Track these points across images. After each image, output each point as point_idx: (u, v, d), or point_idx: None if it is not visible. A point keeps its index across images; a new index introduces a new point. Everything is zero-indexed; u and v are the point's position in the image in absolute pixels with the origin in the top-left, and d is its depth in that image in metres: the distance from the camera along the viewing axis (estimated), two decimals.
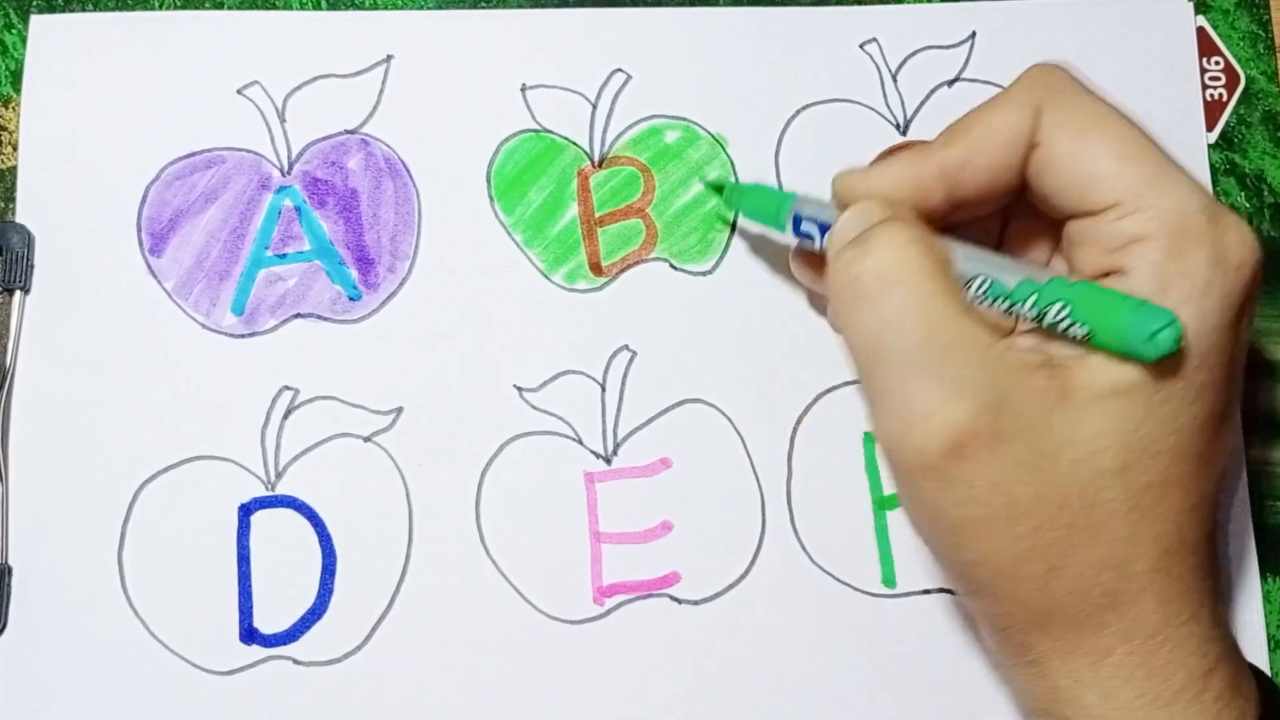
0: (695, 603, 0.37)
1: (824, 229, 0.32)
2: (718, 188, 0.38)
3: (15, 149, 0.38)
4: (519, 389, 0.38)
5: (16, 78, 0.39)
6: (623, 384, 0.38)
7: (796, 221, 0.34)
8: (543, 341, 0.38)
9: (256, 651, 0.36)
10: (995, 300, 0.29)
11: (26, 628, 0.36)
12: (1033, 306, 0.28)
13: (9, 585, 0.36)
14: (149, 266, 0.38)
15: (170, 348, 0.37)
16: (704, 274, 0.39)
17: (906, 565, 0.37)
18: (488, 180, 0.39)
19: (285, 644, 0.36)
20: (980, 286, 0.29)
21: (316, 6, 0.40)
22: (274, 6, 0.40)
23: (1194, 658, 0.27)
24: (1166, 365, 0.26)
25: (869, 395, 0.29)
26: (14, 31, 0.39)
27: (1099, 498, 0.27)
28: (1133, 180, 0.27)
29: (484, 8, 0.40)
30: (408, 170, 0.39)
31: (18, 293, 0.37)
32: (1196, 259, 0.27)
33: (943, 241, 0.29)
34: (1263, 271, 0.28)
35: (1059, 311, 0.27)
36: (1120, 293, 0.27)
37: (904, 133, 0.40)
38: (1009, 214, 0.33)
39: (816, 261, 0.35)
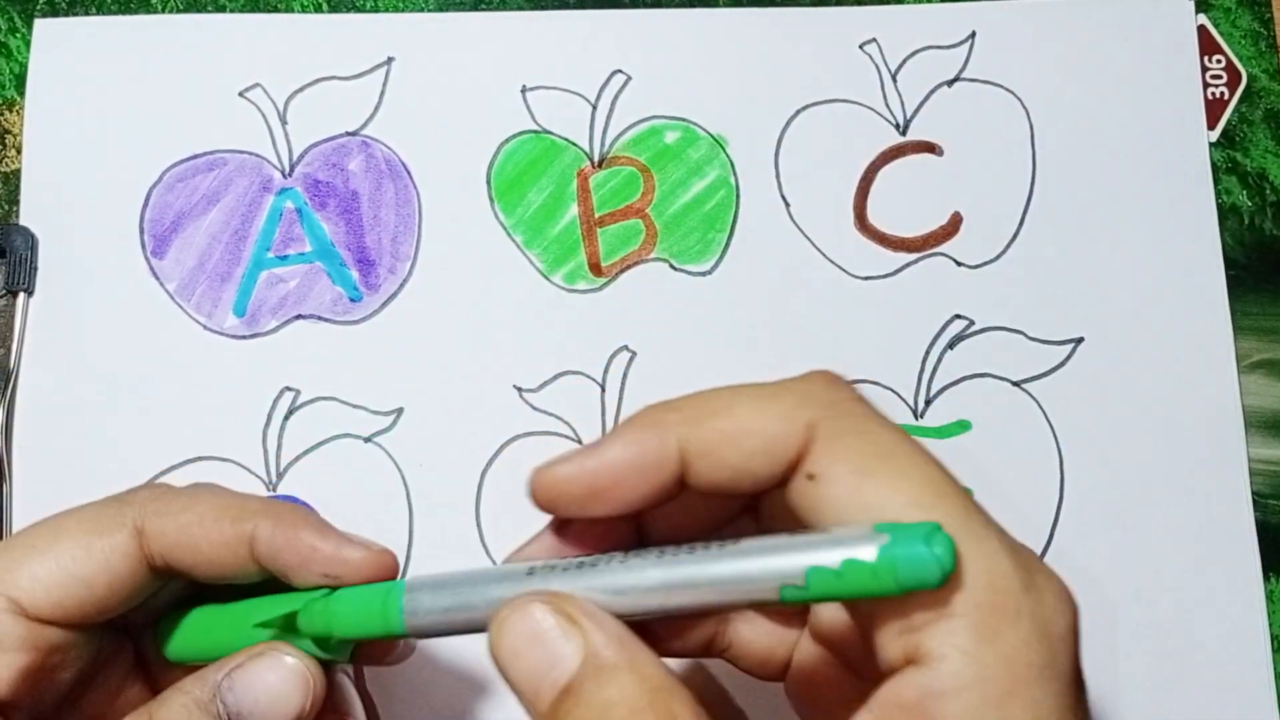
0: None
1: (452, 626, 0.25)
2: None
3: (19, 152, 0.39)
4: (519, 389, 0.38)
5: (21, 81, 0.39)
6: (623, 384, 0.38)
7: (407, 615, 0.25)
8: (543, 342, 0.38)
9: None
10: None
11: None
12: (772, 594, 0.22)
13: None
14: (151, 268, 0.38)
15: (172, 349, 0.38)
16: (704, 274, 0.39)
17: None
18: (488, 181, 0.39)
19: None
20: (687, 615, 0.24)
21: (318, 9, 0.40)
22: (275, 9, 0.40)
23: None
24: None
25: None
26: (18, 35, 0.39)
27: None
28: None
29: (484, 10, 0.41)
30: (408, 172, 0.39)
31: (21, 294, 0.38)
32: (1013, 640, 0.21)
33: (635, 574, 0.23)
34: (1078, 634, 0.23)
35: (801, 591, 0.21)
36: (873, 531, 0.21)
37: (904, 133, 0.40)
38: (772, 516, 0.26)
39: None
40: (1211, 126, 0.40)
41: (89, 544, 0.26)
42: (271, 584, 0.27)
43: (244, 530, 0.26)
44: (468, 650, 0.36)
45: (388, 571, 0.27)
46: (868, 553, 0.20)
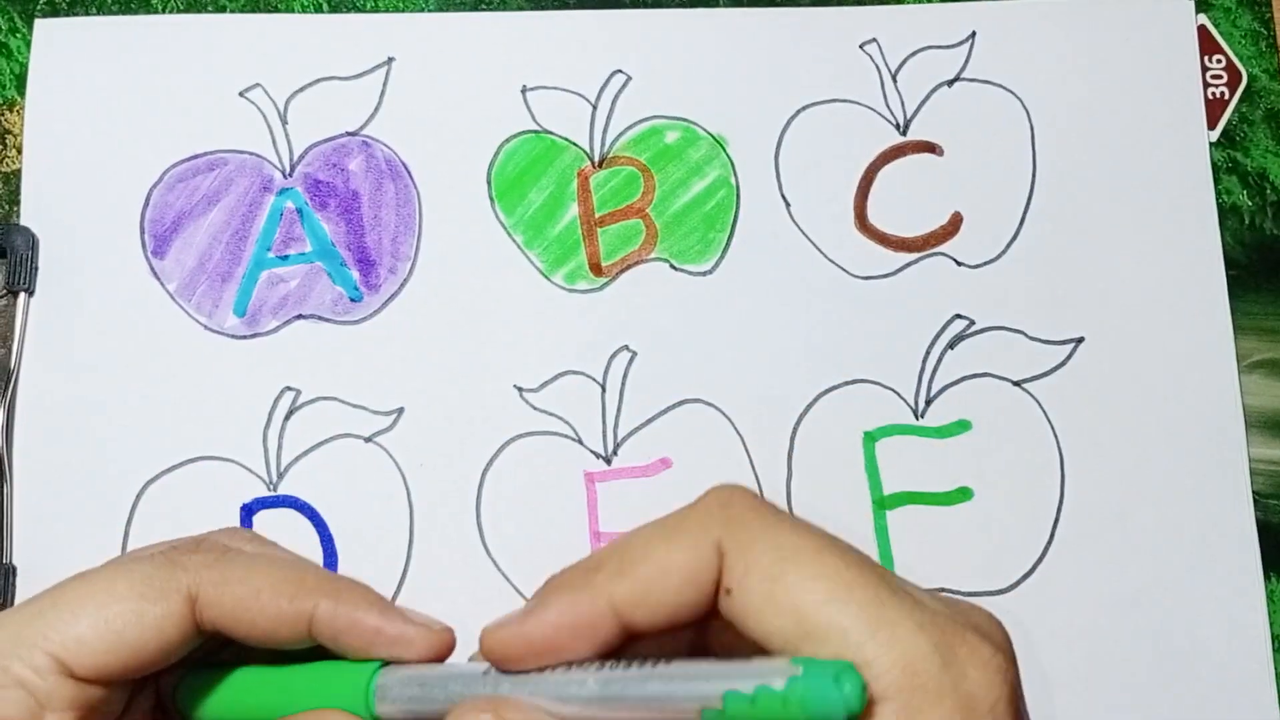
0: None
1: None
2: None
3: (20, 152, 0.39)
4: (519, 389, 0.38)
5: (21, 81, 0.39)
6: (623, 384, 0.38)
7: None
8: (543, 341, 0.38)
9: None
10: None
11: None
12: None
13: (13, 585, 0.36)
14: (152, 268, 0.38)
15: (173, 349, 0.38)
16: (704, 274, 0.39)
17: (906, 565, 0.37)
18: (488, 181, 0.39)
19: None
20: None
21: (318, 9, 0.40)
22: (276, 9, 0.40)
23: None
24: None
25: None
26: (19, 35, 0.39)
27: None
28: (847, 629, 0.23)
29: (484, 10, 0.41)
30: (409, 172, 0.39)
31: (22, 294, 0.38)
32: (937, 717, 0.22)
33: (574, 686, 0.24)
34: (1016, 697, 0.23)
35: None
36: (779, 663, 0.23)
37: (904, 133, 0.40)
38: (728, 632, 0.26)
39: None
40: (1212, 126, 0.40)
41: (141, 610, 0.26)
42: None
43: (303, 609, 0.26)
44: (468, 650, 0.36)
45: (446, 649, 0.28)
46: (778, 683, 0.21)
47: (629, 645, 0.26)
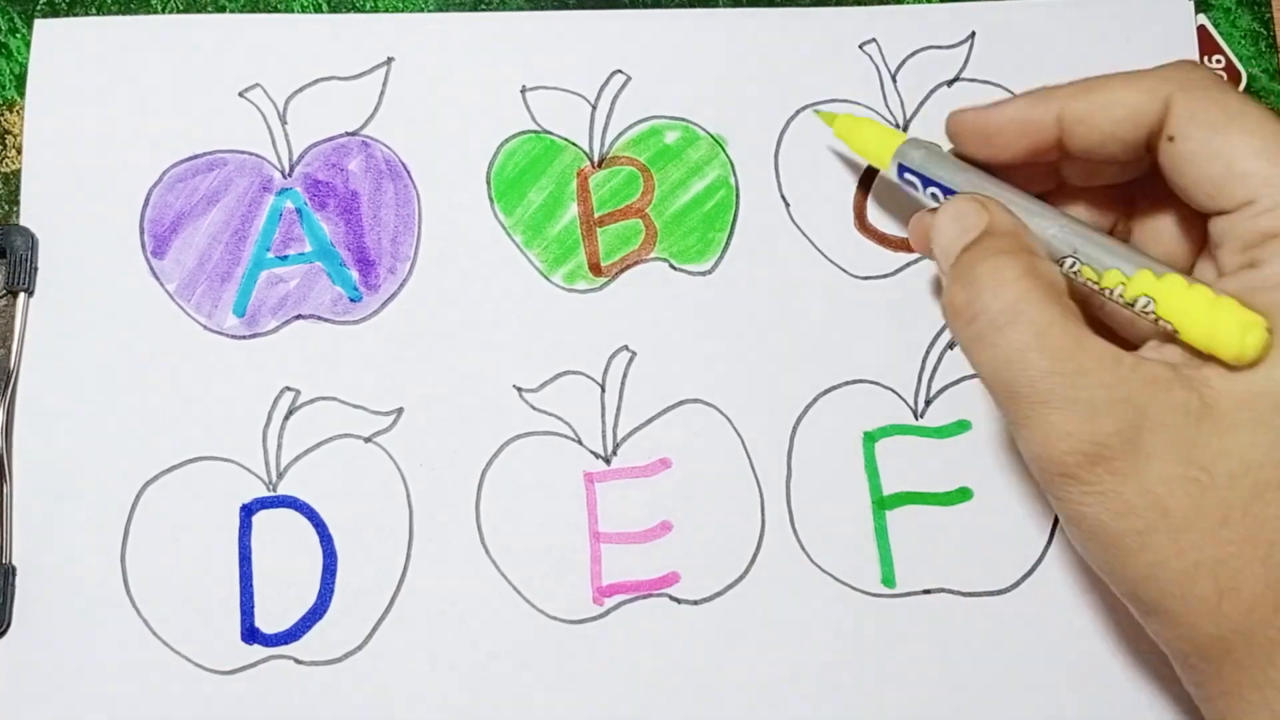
0: (695, 603, 0.37)
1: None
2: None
3: (19, 152, 0.39)
4: (519, 389, 0.38)
5: (21, 81, 0.39)
6: (622, 384, 0.38)
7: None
8: (543, 341, 0.38)
9: (258, 651, 0.36)
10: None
11: (30, 627, 0.36)
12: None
13: (13, 585, 0.36)
14: (151, 268, 0.38)
15: (172, 349, 0.38)
16: (704, 274, 0.39)
17: (906, 565, 0.37)
18: (488, 181, 0.39)
19: (286, 643, 0.36)
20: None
21: (317, 9, 0.40)
22: (275, 9, 0.40)
23: None
24: None
25: (1008, 419, 0.29)
26: (18, 36, 0.39)
27: (1266, 513, 0.26)
28: (1270, 176, 0.27)
29: (484, 10, 0.41)
30: (408, 172, 0.39)
31: (21, 295, 0.38)
32: None
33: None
34: None
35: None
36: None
37: (904, 132, 0.40)
38: (1145, 202, 0.33)
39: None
40: None
41: None
42: None
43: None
44: (468, 650, 0.36)
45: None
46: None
47: (1060, 181, 0.32)
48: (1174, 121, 0.28)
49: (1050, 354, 0.27)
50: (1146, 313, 0.28)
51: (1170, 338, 0.29)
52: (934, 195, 0.34)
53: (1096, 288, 0.29)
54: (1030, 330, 0.27)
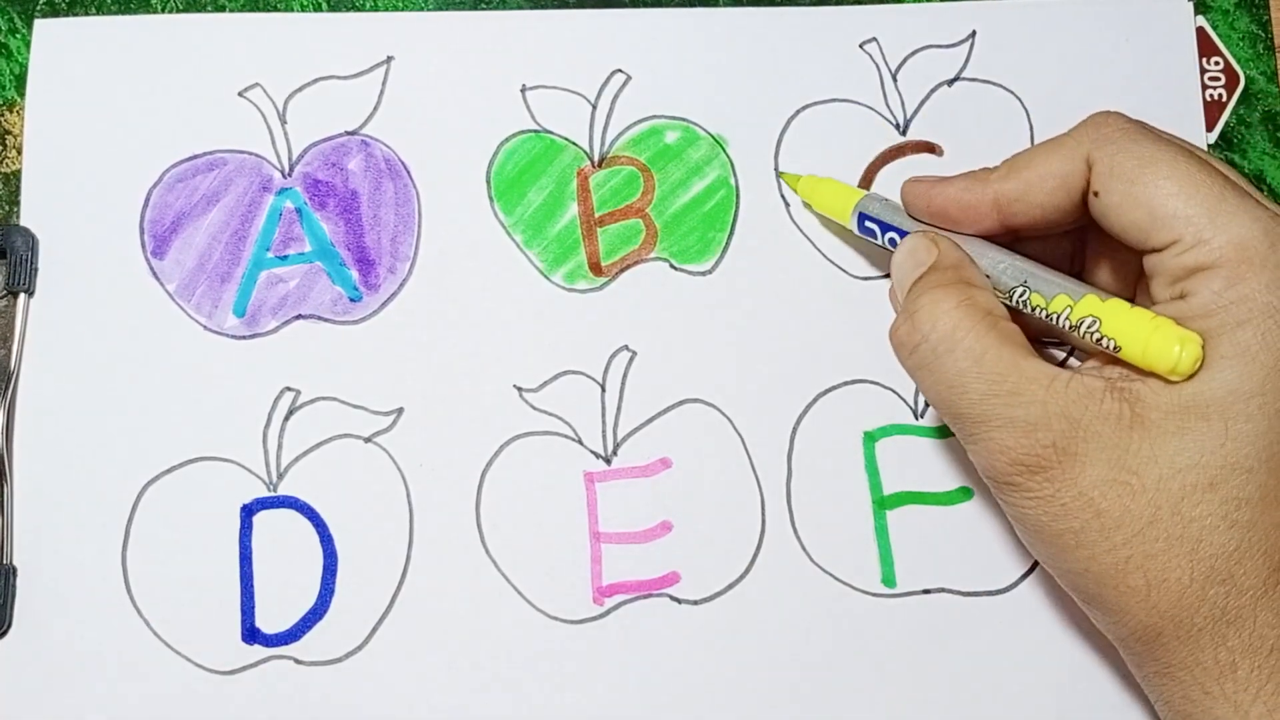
0: (695, 603, 0.37)
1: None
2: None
3: (19, 152, 0.39)
4: (519, 389, 0.38)
5: (21, 81, 0.39)
6: (623, 384, 0.38)
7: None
8: (543, 341, 0.38)
9: (258, 651, 0.36)
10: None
11: (31, 628, 0.36)
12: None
13: (14, 585, 0.36)
14: (151, 269, 0.38)
15: (172, 349, 0.38)
16: (704, 274, 0.39)
17: (906, 565, 0.37)
18: (488, 181, 0.39)
19: (287, 644, 0.36)
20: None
21: (317, 8, 0.40)
22: (275, 9, 0.40)
23: None
24: (1236, 383, 0.28)
25: (958, 435, 0.32)
26: (18, 36, 0.39)
27: (1193, 513, 0.28)
28: (1190, 216, 0.29)
29: (484, 9, 0.41)
30: (408, 171, 0.39)
31: (22, 295, 0.38)
32: (1256, 284, 0.28)
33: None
34: None
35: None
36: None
37: (903, 133, 0.40)
38: (1093, 244, 0.35)
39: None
40: (1210, 128, 0.40)
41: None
42: None
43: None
44: (468, 650, 0.36)
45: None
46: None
47: (1013, 235, 0.33)
48: (1096, 178, 0.30)
49: (986, 378, 0.30)
50: (1091, 332, 0.30)
51: (1112, 359, 0.30)
52: (891, 241, 0.36)
53: (1045, 313, 0.31)
54: (968, 357, 0.30)
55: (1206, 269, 0.29)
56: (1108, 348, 0.30)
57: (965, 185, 0.33)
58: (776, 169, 0.40)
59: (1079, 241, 0.35)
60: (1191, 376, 0.28)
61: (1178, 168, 0.29)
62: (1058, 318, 0.31)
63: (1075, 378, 0.29)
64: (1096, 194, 0.30)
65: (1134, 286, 0.34)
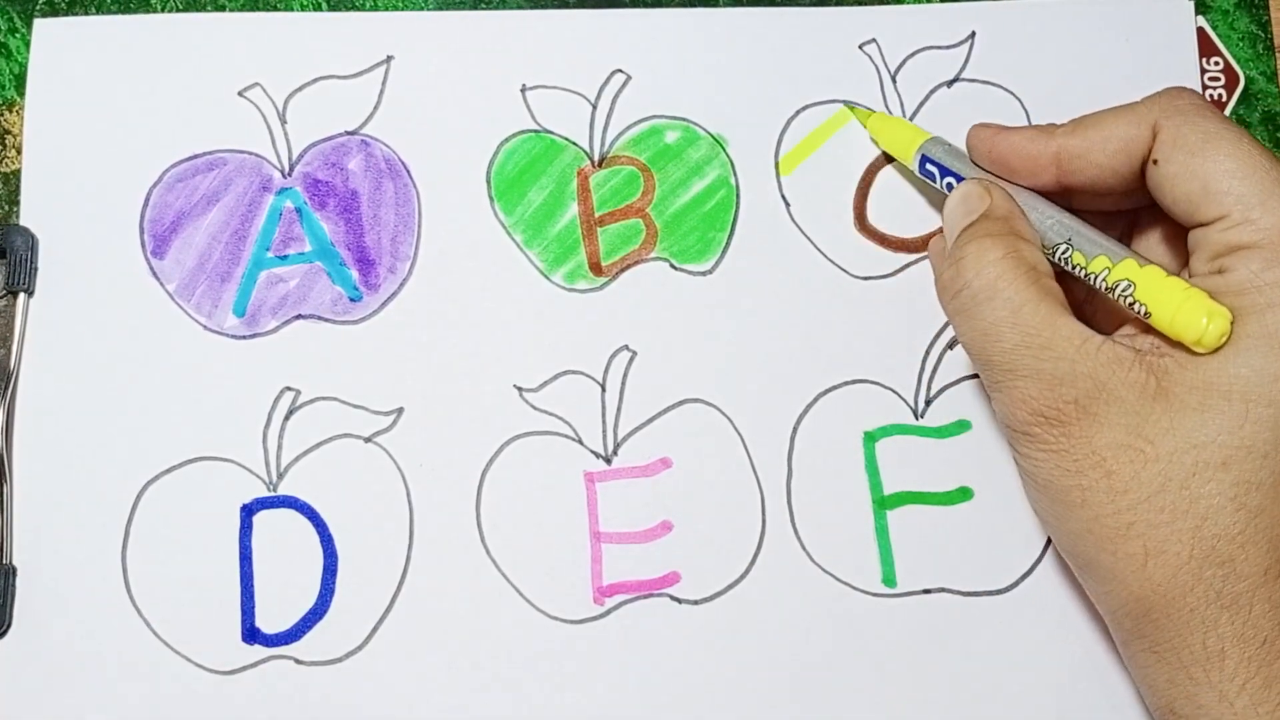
0: (695, 603, 0.37)
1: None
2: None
3: (19, 152, 0.39)
4: (519, 389, 0.38)
5: (20, 81, 0.39)
6: (623, 384, 0.38)
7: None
8: (543, 341, 0.38)
9: (258, 651, 0.36)
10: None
11: (30, 628, 0.36)
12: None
13: (13, 585, 0.36)
14: (151, 268, 0.38)
15: (172, 349, 0.38)
16: (704, 274, 0.39)
17: (906, 565, 0.37)
18: (488, 180, 0.39)
19: (287, 644, 0.36)
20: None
21: (317, 8, 0.40)
22: (274, 8, 0.40)
23: None
24: (1262, 365, 0.28)
25: (985, 382, 0.33)
26: (18, 35, 0.39)
27: (1201, 490, 0.28)
28: (1241, 194, 0.29)
29: (484, 8, 0.41)
30: (408, 171, 0.39)
31: (21, 295, 0.38)
32: None
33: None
34: None
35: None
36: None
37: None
38: (1146, 220, 0.35)
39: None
40: None
41: None
42: None
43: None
44: (468, 650, 0.36)
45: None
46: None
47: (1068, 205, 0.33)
48: (1158, 146, 0.31)
49: (1021, 330, 0.30)
50: (1125, 296, 0.30)
51: (1144, 328, 0.31)
52: (948, 185, 0.36)
53: (1084, 272, 0.32)
54: (1006, 307, 0.31)
55: (1248, 248, 0.29)
56: (1139, 313, 0.30)
57: (1030, 136, 0.34)
58: (778, 152, 0.40)
59: (1131, 224, 0.35)
60: (1217, 350, 0.29)
61: (1240, 148, 0.30)
62: (1095, 278, 0.31)
63: (1107, 343, 0.30)
64: (1156, 162, 0.31)
65: (1177, 268, 0.34)
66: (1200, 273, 0.31)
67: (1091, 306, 0.35)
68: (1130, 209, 0.35)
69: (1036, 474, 0.31)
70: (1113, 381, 0.29)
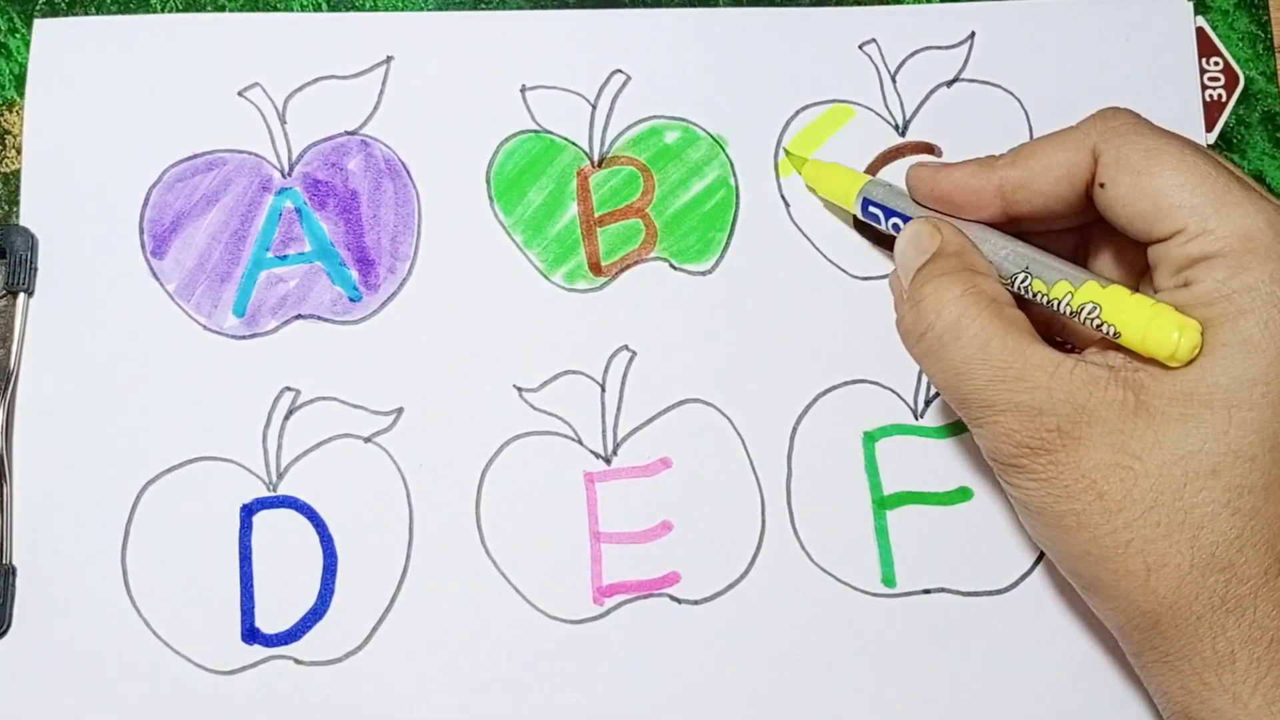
0: (695, 603, 0.37)
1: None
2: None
3: (19, 152, 0.39)
4: (519, 389, 0.38)
5: (20, 81, 0.39)
6: (623, 384, 0.38)
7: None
8: (543, 341, 0.38)
9: (258, 651, 0.36)
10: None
11: (30, 628, 0.36)
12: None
13: (13, 585, 0.36)
14: (151, 268, 0.38)
15: (172, 349, 0.38)
16: (704, 274, 0.39)
17: (906, 565, 0.37)
18: (487, 181, 0.39)
19: (286, 644, 0.36)
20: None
21: (316, 8, 0.40)
22: (275, 9, 0.40)
23: None
24: (1239, 371, 0.28)
25: (964, 419, 0.32)
26: (18, 35, 0.39)
27: (1194, 499, 0.28)
28: (1194, 206, 0.29)
29: (484, 8, 0.41)
30: (408, 171, 0.39)
31: (21, 295, 0.38)
32: (1259, 274, 0.28)
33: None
34: None
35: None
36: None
37: (903, 134, 0.40)
38: (1097, 234, 0.35)
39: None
40: (1209, 129, 0.40)
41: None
42: None
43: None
44: (468, 650, 0.36)
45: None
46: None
47: (1017, 229, 0.34)
48: (1102, 169, 0.31)
49: (992, 365, 0.30)
50: (1092, 319, 0.30)
51: (1112, 344, 0.31)
52: (895, 226, 0.35)
53: (1046, 299, 0.31)
54: (974, 344, 0.30)
55: (1210, 258, 0.29)
56: (1108, 334, 0.30)
57: (970, 171, 0.33)
58: (778, 152, 0.40)
59: (1082, 239, 0.35)
60: (1190, 363, 0.28)
61: (1184, 160, 0.29)
62: (1059, 304, 0.31)
63: (1080, 364, 0.30)
64: (1103, 185, 0.31)
65: (1137, 283, 0.34)
66: (1165, 287, 0.30)
67: (1059, 323, 0.35)
68: (1079, 225, 0.34)
69: (1029, 503, 0.31)
70: (1092, 403, 0.29)
